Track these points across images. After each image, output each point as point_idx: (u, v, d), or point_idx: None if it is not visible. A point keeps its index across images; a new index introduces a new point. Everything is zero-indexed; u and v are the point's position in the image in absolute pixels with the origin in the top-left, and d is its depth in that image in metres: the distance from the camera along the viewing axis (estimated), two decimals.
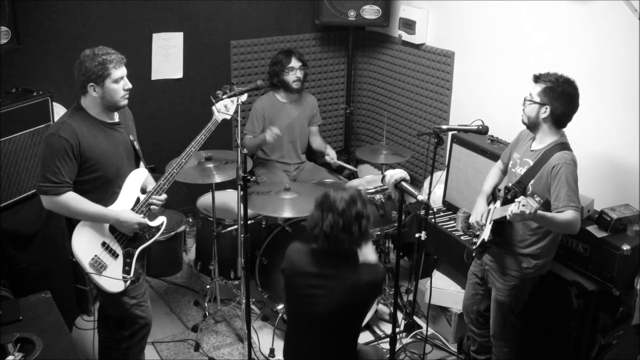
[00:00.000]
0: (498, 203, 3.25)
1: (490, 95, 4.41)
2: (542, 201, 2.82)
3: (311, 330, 2.84)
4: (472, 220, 3.37)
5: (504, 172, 3.44)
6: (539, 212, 2.85)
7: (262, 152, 4.90)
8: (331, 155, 4.91)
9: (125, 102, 3.04)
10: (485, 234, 3.22)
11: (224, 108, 3.45)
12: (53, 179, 2.87)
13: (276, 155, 4.88)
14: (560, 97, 3.02)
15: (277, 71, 4.73)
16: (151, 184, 3.20)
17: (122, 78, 2.97)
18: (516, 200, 2.84)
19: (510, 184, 3.19)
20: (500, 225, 3.18)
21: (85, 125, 2.96)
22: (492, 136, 4.03)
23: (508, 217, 2.89)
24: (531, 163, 3.13)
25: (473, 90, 4.59)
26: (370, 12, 5.07)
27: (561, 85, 3.02)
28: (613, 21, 3.52)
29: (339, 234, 2.66)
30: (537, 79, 3.10)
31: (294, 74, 4.69)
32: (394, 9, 5.12)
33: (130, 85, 3.02)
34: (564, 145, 3.08)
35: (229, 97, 3.46)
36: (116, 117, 3.11)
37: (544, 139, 3.13)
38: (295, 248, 2.91)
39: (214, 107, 3.42)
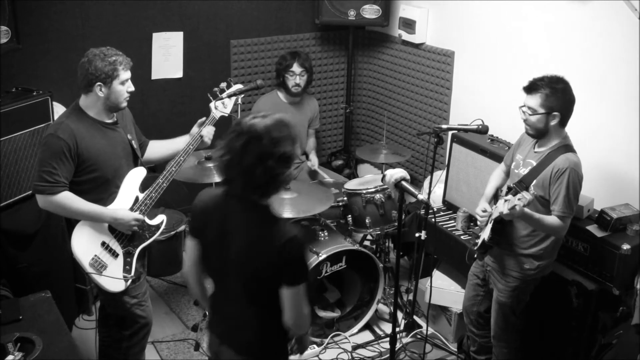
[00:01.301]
0: (500, 202, 3.24)
1: (490, 95, 4.41)
2: (535, 194, 2.83)
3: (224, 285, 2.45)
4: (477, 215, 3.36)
5: (507, 174, 3.42)
6: (528, 211, 2.87)
7: None
8: (312, 162, 4.92)
9: (126, 104, 3.07)
10: (485, 234, 3.21)
11: (222, 105, 3.47)
12: (49, 178, 2.88)
13: None
14: (563, 98, 3.01)
15: (279, 71, 4.73)
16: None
17: (127, 80, 3.01)
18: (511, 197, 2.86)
19: (512, 184, 3.19)
20: (501, 225, 3.18)
21: (83, 126, 2.97)
22: (492, 135, 4.03)
23: (504, 212, 2.90)
24: (534, 164, 3.12)
25: (473, 90, 4.59)
26: (370, 11, 5.07)
27: (559, 87, 3.00)
28: (613, 21, 3.52)
29: (238, 177, 2.23)
30: (531, 89, 3.04)
31: (293, 79, 4.68)
32: (393, 8, 5.12)
33: (133, 88, 3.04)
34: (568, 147, 3.07)
35: (228, 96, 3.48)
36: (114, 117, 3.12)
37: (549, 142, 3.11)
38: (207, 191, 2.50)
39: (211, 104, 3.44)
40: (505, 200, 2.93)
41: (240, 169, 2.21)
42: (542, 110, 3.01)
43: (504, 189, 3.30)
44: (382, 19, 5.08)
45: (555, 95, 2.99)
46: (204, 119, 3.39)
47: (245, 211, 2.30)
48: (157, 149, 3.41)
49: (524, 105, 3.07)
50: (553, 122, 3.03)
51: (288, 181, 2.32)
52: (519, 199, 2.79)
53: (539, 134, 3.10)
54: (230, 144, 2.24)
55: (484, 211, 3.25)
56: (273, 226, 2.29)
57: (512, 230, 3.20)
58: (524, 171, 3.16)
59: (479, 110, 4.04)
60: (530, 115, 3.04)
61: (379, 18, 5.09)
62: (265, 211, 2.32)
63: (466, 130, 3.57)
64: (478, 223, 3.31)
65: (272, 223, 2.30)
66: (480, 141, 4.03)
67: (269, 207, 2.32)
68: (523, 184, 3.11)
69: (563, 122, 3.06)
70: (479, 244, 3.30)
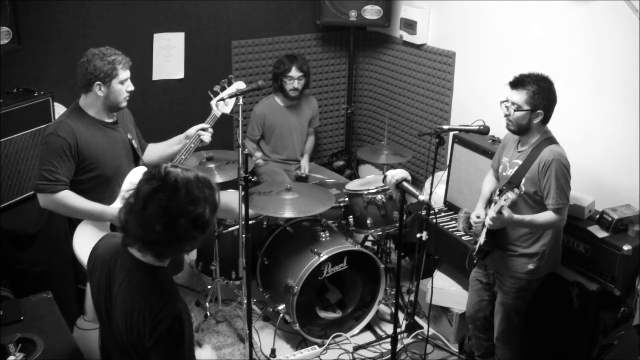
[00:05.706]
0: (491, 208, 3.24)
1: (491, 96, 4.37)
2: (521, 191, 2.86)
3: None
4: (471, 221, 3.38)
5: (497, 177, 3.43)
6: (517, 216, 2.94)
7: (263, 153, 4.91)
8: (303, 168, 4.92)
9: (126, 103, 3.09)
10: (481, 238, 3.22)
11: (223, 103, 3.48)
12: (49, 177, 2.89)
13: (279, 155, 4.90)
14: (548, 97, 3.03)
15: (277, 75, 4.73)
16: None
17: (126, 80, 3.02)
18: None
19: (502, 186, 3.18)
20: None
21: (83, 125, 2.98)
22: (494, 136, 4.02)
23: (492, 217, 2.93)
24: (520, 162, 3.13)
25: (474, 91, 4.59)
26: (372, 12, 5.07)
27: (545, 87, 3.02)
28: (613, 21, 3.52)
29: (135, 227, 1.95)
30: (516, 85, 3.05)
31: (291, 84, 4.69)
32: (395, 9, 5.12)
33: (132, 88, 3.06)
34: (550, 140, 3.09)
35: (229, 95, 3.49)
36: (114, 117, 3.13)
37: (531, 139, 3.13)
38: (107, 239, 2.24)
39: (212, 103, 3.45)
40: (495, 204, 2.95)
41: (139, 217, 1.92)
42: (526, 107, 3.03)
43: (496, 193, 3.30)
44: (383, 19, 5.08)
45: (542, 94, 3.01)
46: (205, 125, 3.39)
47: (130, 272, 2.01)
48: (154, 151, 3.41)
49: (507, 100, 3.08)
50: (536, 120, 3.05)
51: (192, 249, 2.03)
52: (504, 200, 2.83)
53: (520, 130, 3.11)
54: (140, 185, 1.95)
55: (478, 217, 3.27)
56: (154, 297, 1.97)
57: (507, 231, 3.19)
58: (511, 172, 3.17)
59: (480, 111, 4.03)
60: (514, 111, 3.06)
61: (380, 19, 5.09)
62: (151, 275, 2.01)
63: (467, 131, 3.56)
64: (473, 228, 3.32)
65: (155, 293, 1.98)
66: (481, 142, 4.03)
67: (159, 272, 2.04)
68: (512, 185, 3.11)
69: (545, 120, 3.07)
70: (476, 249, 3.30)
